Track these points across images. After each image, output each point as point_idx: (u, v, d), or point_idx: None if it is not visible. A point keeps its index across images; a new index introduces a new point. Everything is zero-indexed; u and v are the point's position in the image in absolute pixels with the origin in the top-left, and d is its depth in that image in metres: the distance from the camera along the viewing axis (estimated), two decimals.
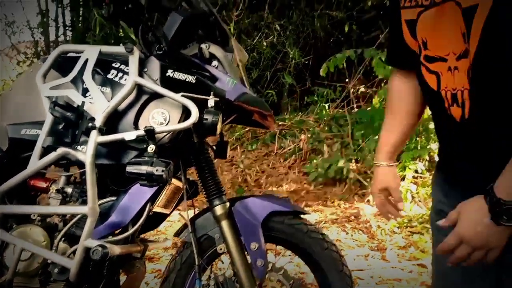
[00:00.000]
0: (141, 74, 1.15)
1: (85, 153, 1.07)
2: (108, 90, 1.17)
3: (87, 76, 1.14)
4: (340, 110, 4.77)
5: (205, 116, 1.14)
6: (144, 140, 1.09)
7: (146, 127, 1.08)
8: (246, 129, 4.35)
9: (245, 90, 1.24)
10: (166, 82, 1.15)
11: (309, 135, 3.97)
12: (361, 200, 3.23)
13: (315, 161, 3.57)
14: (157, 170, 1.06)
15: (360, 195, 3.31)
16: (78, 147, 1.11)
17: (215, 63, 1.26)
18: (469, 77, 0.78)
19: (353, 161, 3.62)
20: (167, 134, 1.13)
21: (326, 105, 4.76)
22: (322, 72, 3.78)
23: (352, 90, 4.77)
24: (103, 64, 1.18)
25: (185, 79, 1.17)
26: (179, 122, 1.13)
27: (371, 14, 4.97)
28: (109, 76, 1.17)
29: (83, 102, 1.11)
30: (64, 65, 1.22)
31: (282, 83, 5.30)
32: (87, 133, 1.09)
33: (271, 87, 5.00)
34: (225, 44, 1.32)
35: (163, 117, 1.14)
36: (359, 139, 3.75)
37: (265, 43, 4.94)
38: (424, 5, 0.83)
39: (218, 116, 1.15)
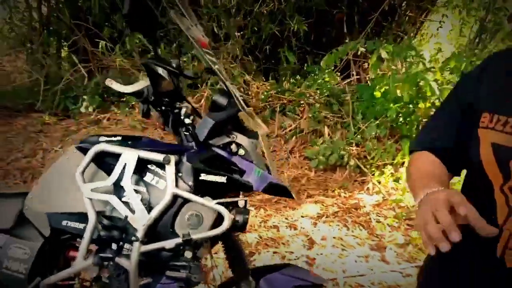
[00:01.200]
0: (176, 178, 1.22)
1: (129, 260, 1.17)
2: (144, 189, 1.23)
3: (127, 184, 1.20)
4: (340, 81, 4.78)
5: (236, 218, 1.23)
6: (181, 243, 1.19)
7: (183, 235, 1.17)
8: None
9: (270, 179, 1.31)
10: (200, 185, 1.22)
11: (309, 115, 4.02)
12: (361, 188, 3.39)
13: (316, 146, 3.67)
14: (195, 277, 1.17)
15: (360, 182, 3.46)
16: (121, 252, 1.20)
17: (241, 151, 1.31)
18: None
19: (353, 144, 3.72)
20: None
21: (326, 75, 4.74)
22: (323, 64, 3.74)
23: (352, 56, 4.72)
24: (140, 164, 1.23)
25: (217, 180, 1.23)
26: (213, 224, 1.22)
27: None
28: (146, 179, 1.23)
29: (126, 216, 1.18)
30: (100, 159, 1.28)
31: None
32: (130, 241, 1.18)
33: (270, 61, 4.94)
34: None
35: (198, 220, 1.22)
36: (359, 122, 3.82)
37: (264, 11, 4.77)
38: None
39: (248, 216, 1.24)
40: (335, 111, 4.11)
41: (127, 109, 4.69)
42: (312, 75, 4.88)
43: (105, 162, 1.29)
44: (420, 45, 6.20)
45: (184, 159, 1.25)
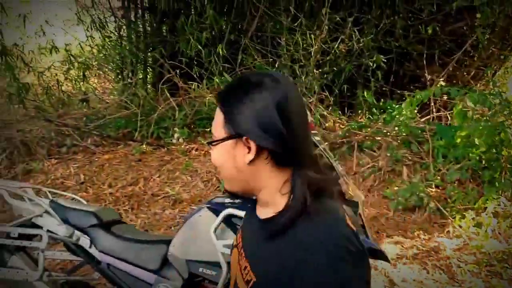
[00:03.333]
0: None
1: None
2: None
3: None
4: (418, 118, 4.83)
5: None
6: None
7: None
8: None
9: (370, 244, 1.54)
10: None
11: (388, 154, 4.15)
12: (441, 230, 3.45)
13: (396, 187, 3.78)
14: None
15: (440, 225, 3.52)
16: None
17: None
18: None
19: (433, 185, 3.79)
20: None
21: (404, 112, 4.82)
22: (405, 107, 3.87)
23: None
24: None
25: None
26: None
27: (458, 25, 4.84)
28: None
29: None
30: (227, 218, 1.60)
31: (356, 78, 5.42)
32: None
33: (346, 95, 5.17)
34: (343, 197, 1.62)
35: None
36: (439, 163, 3.87)
37: (343, 49, 5.00)
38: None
39: None
40: (414, 150, 4.20)
41: None
42: (390, 111, 4.99)
43: (230, 221, 1.61)
44: (505, 78, 6.07)
45: None
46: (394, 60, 5.19)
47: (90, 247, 1.76)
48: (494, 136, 3.20)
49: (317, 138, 1.64)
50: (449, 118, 4.75)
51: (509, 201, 3.43)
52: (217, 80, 5.24)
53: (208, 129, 5.24)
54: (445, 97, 4.72)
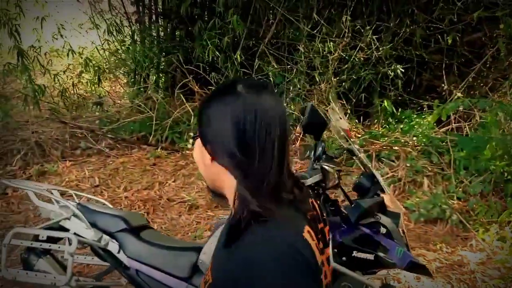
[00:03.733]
0: (333, 255, 1.44)
1: None
2: None
3: None
4: (437, 128, 4.76)
5: None
6: None
7: None
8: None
9: (411, 258, 1.48)
10: (352, 261, 1.44)
11: (407, 164, 4.08)
12: (464, 244, 3.37)
13: (417, 199, 3.71)
14: None
15: (462, 238, 3.44)
16: None
17: (383, 230, 1.51)
18: None
19: (455, 198, 3.71)
20: None
21: (422, 122, 4.75)
22: (431, 120, 3.81)
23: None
24: None
25: (366, 257, 1.44)
26: None
27: (478, 35, 4.78)
28: None
29: None
30: None
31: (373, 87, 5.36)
32: None
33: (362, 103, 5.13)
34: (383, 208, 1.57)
35: None
36: (461, 175, 3.80)
37: (362, 58, 4.95)
38: None
39: None
40: (435, 161, 4.12)
41: None
42: (407, 121, 4.93)
43: None
44: None
45: (337, 236, 1.47)
46: (415, 69, 5.13)
47: (118, 252, 1.72)
48: None
49: (356, 146, 1.59)
50: (467, 129, 4.67)
51: None
52: None
53: None
54: (461, 108, 4.66)
